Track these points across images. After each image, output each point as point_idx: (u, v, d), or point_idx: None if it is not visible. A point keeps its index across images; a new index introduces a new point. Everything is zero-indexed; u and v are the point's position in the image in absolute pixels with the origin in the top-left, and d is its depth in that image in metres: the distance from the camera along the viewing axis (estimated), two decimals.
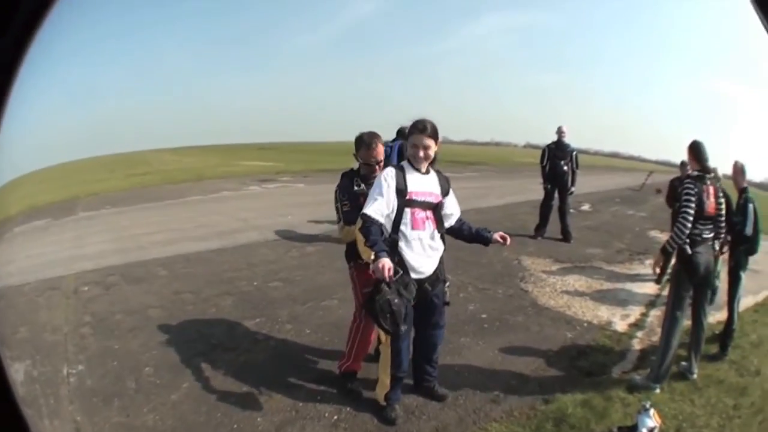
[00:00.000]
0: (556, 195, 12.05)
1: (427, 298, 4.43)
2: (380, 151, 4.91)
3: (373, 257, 4.04)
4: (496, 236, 4.65)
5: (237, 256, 9.77)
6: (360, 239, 4.30)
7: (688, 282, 5.40)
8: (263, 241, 10.91)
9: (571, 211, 12.64)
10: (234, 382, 5.11)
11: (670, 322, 5.41)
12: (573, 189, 12.09)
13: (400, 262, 4.23)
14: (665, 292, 7.22)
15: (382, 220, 4.21)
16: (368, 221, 4.18)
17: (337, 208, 4.86)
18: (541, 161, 12.15)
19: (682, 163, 8.59)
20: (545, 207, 12.25)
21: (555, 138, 12.02)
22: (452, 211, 4.64)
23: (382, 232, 4.23)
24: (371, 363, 5.12)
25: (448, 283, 4.58)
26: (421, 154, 4.35)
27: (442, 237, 4.52)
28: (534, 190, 14.10)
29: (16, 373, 5.22)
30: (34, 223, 14.37)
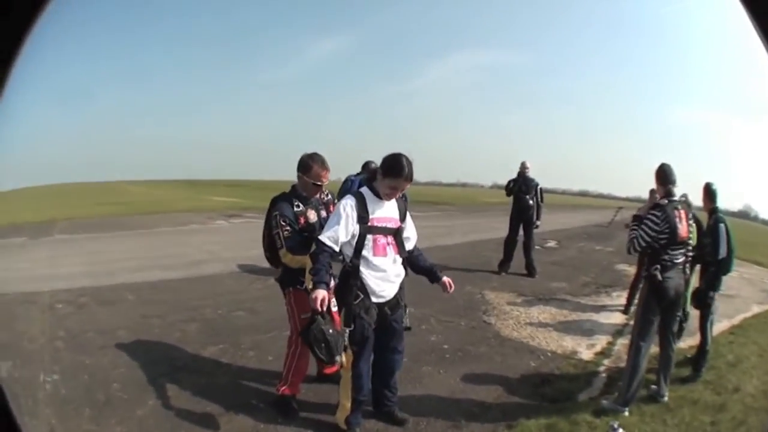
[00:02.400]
0: (521, 230, 12.04)
1: (387, 323, 4.46)
2: (328, 177, 4.98)
3: (311, 286, 4.12)
4: (445, 280, 4.70)
5: (203, 285, 9.78)
6: (308, 264, 4.39)
7: (656, 306, 5.40)
8: (228, 272, 10.96)
9: (537, 247, 12.79)
10: (198, 401, 5.09)
11: (637, 345, 5.40)
12: (538, 223, 12.11)
13: (361, 287, 4.30)
14: (633, 322, 7.37)
15: (335, 247, 4.25)
16: (319, 248, 4.23)
17: (276, 235, 4.82)
18: (506, 193, 12.35)
19: (652, 191, 8.67)
20: (510, 242, 12.19)
21: (518, 172, 12.11)
22: (410, 234, 4.66)
23: (331, 262, 4.30)
24: (334, 385, 5.09)
25: (408, 309, 4.60)
26: (396, 195, 4.44)
27: (403, 262, 4.56)
28: (499, 228, 14.25)
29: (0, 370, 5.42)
30: (13, 240, 14.94)
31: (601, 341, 7.51)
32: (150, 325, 7.32)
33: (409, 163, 4.32)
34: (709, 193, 6.26)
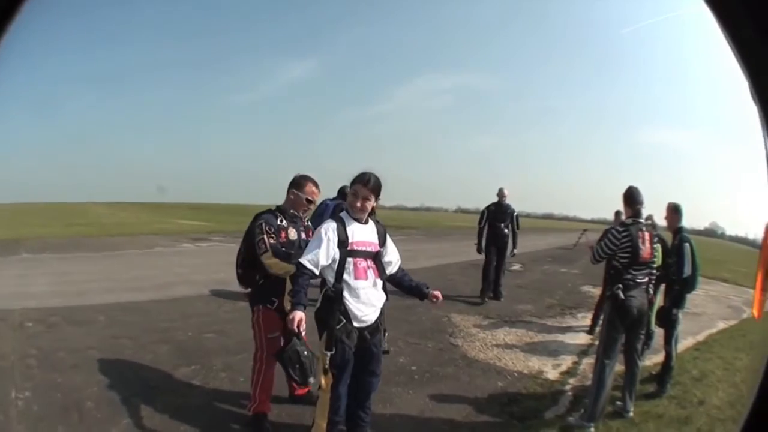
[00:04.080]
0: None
1: (366, 346, 4.54)
2: (317, 193, 5.27)
3: (289, 307, 4.27)
4: (434, 293, 4.82)
5: (172, 307, 9.75)
6: (288, 271, 4.62)
7: (620, 325, 5.54)
8: (197, 295, 10.91)
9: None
10: (171, 422, 5.12)
11: (602, 363, 5.54)
12: (515, 251, 12.05)
13: (344, 312, 4.40)
14: (598, 340, 7.50)
15: (315, 270, 4.36)
16: (299, 270, 4.35)
17: (260, 240, 4.97)
18: (480, 222, 12.06)
19: (617, 213, 8.81)
20: (488, 271, 11.88)
21: (495, 200, 11.98)
22: (391, 258, 4.76)
23: (307, 285, 4.37)
24: (307, 406, 5.22)
25: (386, 333, 4.70)
26: (359, 204, 4.48)
27: (384, 287, 4.67)
28: (462, 252, 14.36)
29: None
30: None
31: (566, 361, 7.67)
32: (121, 345, 7.29)
33: (375, 177, 4.52)
34: (674, 212, 6.44)
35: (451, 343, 8.33)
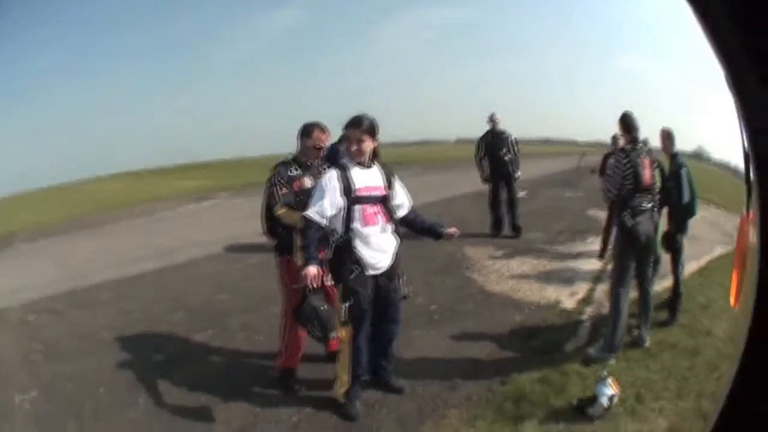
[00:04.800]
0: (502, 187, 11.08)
1: (384, 294, 4.48)
2: (326, 140, 5.13)
3: (301, 263, 4.23)
4: (449, 231, 4.78)
5: (181, 273, 9.53)
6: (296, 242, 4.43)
7: (631, 252, 5.53)
8: (205, 256, 10.49)
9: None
10: (190, 394, 5.04)
11: (616, 292, 5.57)
12: (518, 174, 11.02)
13: (356, 261, 4.34)
14: (610, 266, 7.35)
15: (323, 221, 4.29)
16: (306, 223, 4.29)
17: (272, 193, 4.94)
18: (476, 154, 11.07)
19: (614, 138, 8.65)
20: (495, 202, 10.98)
21: (488, 127, 10.81)
22: (401, 201, 4.71)
23: (320, 236, 4.33)
24: (328, 363, 5.05)
25: (404, 277, 4.58)
26: (354, 148, 4.46)
27: (396, 230, 4.58)
28: (468, 183, 14.09)
29: None
30: None
31: (581, 288, 7.57)
32: (133, 320, 7.16)
33: (367, 117, 4.48)
34: (668, 138, 6.29)
35: (467, 277, 8.21)
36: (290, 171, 5.02)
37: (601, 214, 11.54)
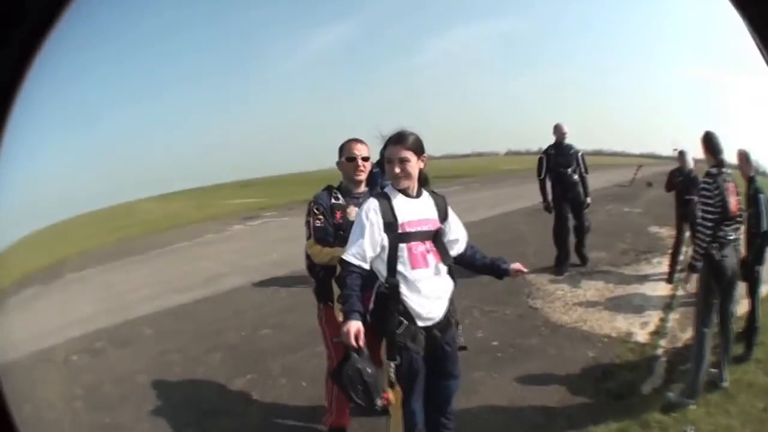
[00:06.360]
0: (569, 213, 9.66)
1: (437, 346, 3.68)
2: (360, 149, 4.29)
3: (342, 318, 3.45)
4: (515, 267, 3.94)
5: (223, 304, 9.32)
6: (335, 291, 3.71)
7: (716, 288, 4.99)
8: (249, 284, 10.40)
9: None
10: None
11: (701, 333, 5.02)
12: (588, 200, 9.70)
13: (404, 312, 3.53)
14: (679, 292, 7.11)
15: (364, 266, 3.52)
16: (346, 269, 3.51)
17: (307, 223, 4.20)
18: (539, 173, 9.69)
19: (681, 153, 8.19)
20: (561, 231, 9.68)
21: (553, 140, 9.67)
22: (457, 236, 3.90)
23: (362, 283, 3.52)
24: (382, 417, 4.42)
25: (460, 326, 3.94)
26: (398, 169, 3.57)
27: (450, 272, 3.76)
28: (522, 197, 13.64)
29: None
30: (25, 293, 13.56)
31: (653, 318, 7.05)
32: (169, 363, 6.82)
33: (410, 132, 3.64)
34: (746, 160, 5.72)
35: (530, 306, 7.67)
36: (333, 198, 4.22)
37: (662, 231, 11.07)
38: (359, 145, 4.26)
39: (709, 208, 4.85)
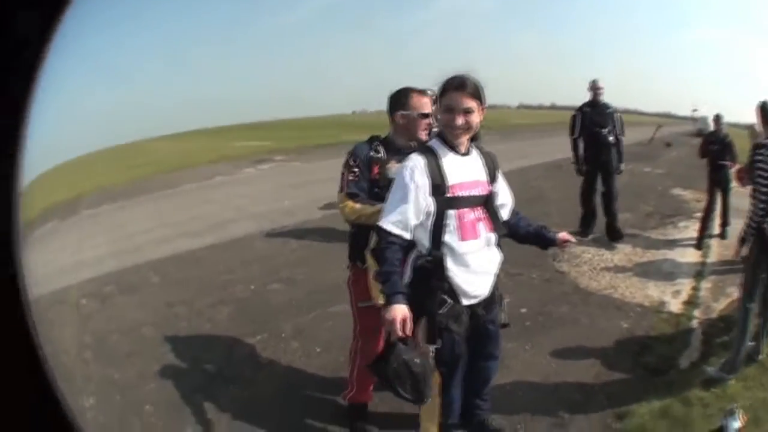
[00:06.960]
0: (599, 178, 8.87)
1: (480, 326, 3.24)
2: (427, 104, 3.67)
3: (383, 301, 2.92)
4: (562, 236, 3.47)
5: (231, 252, 9.07)
6: (371, 265, 3.25)
7: (766, 262, 4.68)
8: (259, 232, 10.15)
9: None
10: (241, 425, 4.25)
11: (745, 309, 4.78)
12: (622, 167, 8.88)
13: (448, 289, 3.02)
14: (709, 259, 7.05)
15: (406, 235, 2.99)
16: (384, 239, 3.00)
17: (342, 175, 3.68)
18: (572, 132, 8.94)
19: (716, 117, 8.17)
20: (588, 194, 8.98)
21: (589, 97, 8.86)
22: (504, 200, 3.37)
23: (402, 256, 3.02)
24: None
25: (505, 301, 3.47)
26: (460, 121, 3.00)
27: (498, 243, 3.27)
28: (539, 153, 13.24)
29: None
30: (46, 227, 13.73)
31: (684, 286, 6.81)
32: (176, 316, 6.51)
33: (471, 78, 3.03)
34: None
35: (557, 270, 7.32)
36: (372, 151, 3.67)
37: (687, 194, 10.74)
38: (425, 99, 3.68)
39: (765, 181, 4.46)
